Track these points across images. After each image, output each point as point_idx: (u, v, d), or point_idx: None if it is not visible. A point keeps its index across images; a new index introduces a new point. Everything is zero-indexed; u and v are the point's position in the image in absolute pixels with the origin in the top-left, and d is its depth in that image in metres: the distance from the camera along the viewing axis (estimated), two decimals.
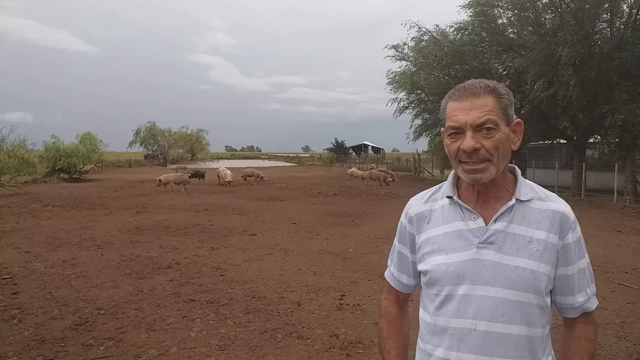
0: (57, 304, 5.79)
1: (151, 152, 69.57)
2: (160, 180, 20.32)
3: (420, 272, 1.52)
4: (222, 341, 4.71)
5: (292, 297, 6.10)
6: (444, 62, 23.19)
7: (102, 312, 5.50)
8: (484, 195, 1.43)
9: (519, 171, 1.50)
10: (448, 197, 1.49)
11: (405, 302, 1.69)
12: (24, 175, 24.80)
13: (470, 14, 21.48)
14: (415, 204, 1.59)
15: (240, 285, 6.64)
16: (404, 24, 25.19)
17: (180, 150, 75.99)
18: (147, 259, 8.14)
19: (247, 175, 27.91)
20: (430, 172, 32.56)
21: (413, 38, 25.56)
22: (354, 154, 77.77)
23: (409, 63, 27.10)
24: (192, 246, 9.36)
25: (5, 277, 6.98)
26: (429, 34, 24.39)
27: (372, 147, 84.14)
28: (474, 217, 1.41)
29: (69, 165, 30.23)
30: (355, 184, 25.69)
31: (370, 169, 31.16)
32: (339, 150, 74.46)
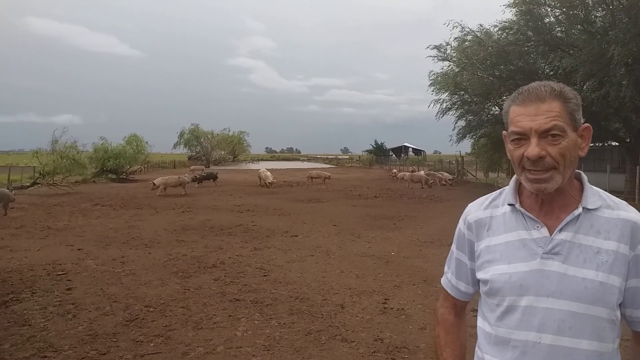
0: (108, 300, 6.00)
1: (194, 153, 71.21)
2: (154, 183, 20.58)
3: (479, 280, 1.49)
4: (267, 341, 4.75)
5: (335, 300, 6.09)
6: (488, 62, 22.66)
7: (151, 309, 5.66)
8: (548, 203, 1.38)
9: (585, 177, 1.43)
10: (510, 204, 1.45)
11: (462, 310, 1.65)
12: (75, 175, 25.87)
13: (516, 13, 20.90)
14: (475, 210, 1.55)
15: (284, 286, 6.69)
16: (446, 24, 24.77)
17: (222, 152, 77.48)
18: (193, 258, 8.33)
19: (313, 177, 28.12)
20: (474, 174, 31.85)
21: (456, 38, 25.10)
22: (394, 155, 77.12)
23: (451, 63, 26.62)
24: (236, 246, 9.50)
25: (60, 273, 7.29)
26: (473, 33, 23.89)
27: (412, 149, 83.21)
28: (538, 227, 1.36)
29: (116, 166, 31.35)
30: (396, 187, 25.45)
31: (412, 171, 30.80)
32: (379, 152, 73.95)
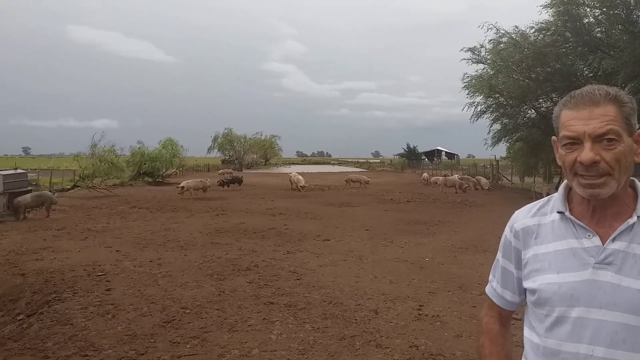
0: (146, 301, 6.13)
1: (228, 157, 72.18)
2: (182, 187, 20.95)
3: (526, 289, 1.45)
4: (301, 345, 4.76)
5: (369, 305, 6.05)
6: (524, 64, 22.16)
7: (187, 311, 5.75)
8: (601, 211, 1.33)
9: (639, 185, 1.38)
10: (559, 212, 1.40)
11: (507, 319, 1.62)
12: (113, 178, 26.61)
13: (553, 14, 20.38)
14: (522, 217, 1.51)
15: (317, 290, 6.69)
16: (481, 26, 24.38)
17: (255, 156, 78.23)
18: (227, 261, 8.43)
19: (352, 180, 28.17)
20: (510, 179, 31.15)
21: (491, 40, 24.63)
22: (426, 159, 76.23)
23: (486, 66, 26.16)
24: (269, 249, 9.57)
25: (99, 274, 7.50)
26: (508, 35, 23.40)
27: (445, 152, 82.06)
28: (589, 235, 1.32)
29: (152, 169, 32.10)
30: (429, 191, 25.13)
31: (445, 175, 30.37)
32: (411, 156, 73.22)
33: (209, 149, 71.51)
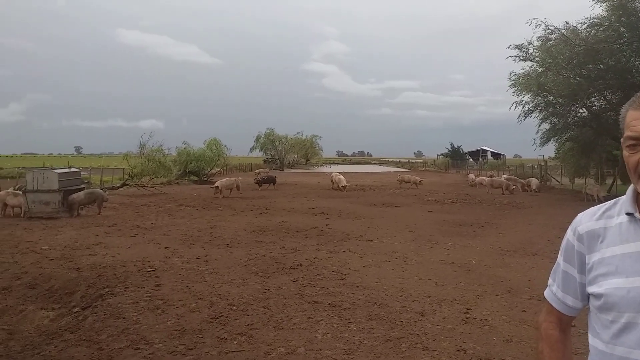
0: (194, 297, 6.27)
1: (269, 156, 73.00)
2: (217, 187, 21.18)
3: (589, 294, 1.39)
4: (347, 345, 4.74)
5: (414, 307, 5.97)
6: (574, 61, 21.34)
7: (234, 307, 5.84)
8: None
9: None
10: (627, 213, 1.34)
11: (568, 325, 1.55)
12: (160, 177, 27.41)
13: (607, 8, 19.52)
14: (586, 220, 1.45)
15: (361, 290, 6.65)
16: (529, 23, 23.64)
17: (296, 155, 78.76)
18: (272, 259, 8.51)
19: (405, 181, 28.08)
20: (559, 180, 30.05)
21: (539, 37, 23.87)
22: (471, 159, 74.60)
23: (534, 64, 25.33)
24: (312, 248, 9.60)
25: (149, 270, 7.72)
26: (558, 31, 22.59)
27: (491, 152, 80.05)
28: None
29: (198, 169, 32.87)
30: (475, 192, 24.60)
31: (491, 176, 29.63)
32: (455, 156, 71.80)
33: (251, 149, 72.47)
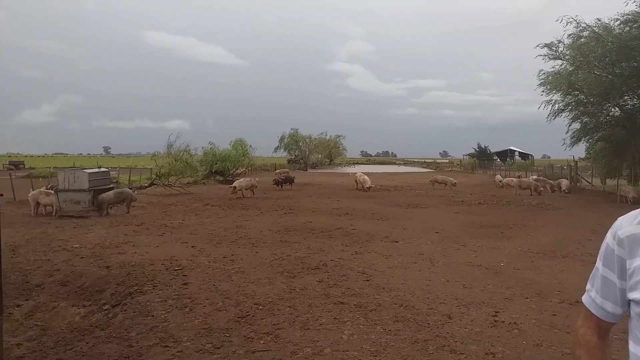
0: (220, 296, 6.32)
1: (293, 157, 73.35)
2: (235, 187, 21.17)
3: (631, 301, 1.34)
4: (373, 347, 4.71)
5: (441, 309, 5.89)
6: (607, 59, 20.83)
7: (260, 307, 5.87)
8: None
9: None
10: None
11: (607, 331, 1.50)
12: (187, 177, 27.80)
13: None
14: (627, 224, 1.39)
15: (387, 292, 6.60)
16: (559, 20, 23.20)
17: (319, 156, 78.96)
18: (297, 259, 8.53)
19: (438, 181, 27.88)
20: (590, 181, 29.29)
21: (570, 35, 23.38)
22: (498, 160, 73.48)
23: (564, 62, 24.84)
24: (337, 249, 9.58)
25: (177, 268, 7.83)
26: (590, 29, 22.08)
27: (519, 152, 78.71)
28: None
29: (223, 169, 33.22)
30: (502, 193, 24.18)
31: (519, 176, 29.08)
32: (482, 156, 70.85)
33: (276, 149, 73.04)
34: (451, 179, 27.70)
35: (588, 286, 1.54)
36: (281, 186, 26.36)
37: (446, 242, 10.50)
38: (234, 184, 21.34)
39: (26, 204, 16.18)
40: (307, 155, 72.82)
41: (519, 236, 11.33)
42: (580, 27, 22.27)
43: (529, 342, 4.94)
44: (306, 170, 64.16)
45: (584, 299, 1.54)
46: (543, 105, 26.78)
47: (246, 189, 21.75)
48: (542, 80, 26.37)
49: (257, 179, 24.71)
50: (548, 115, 26.60)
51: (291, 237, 10.93)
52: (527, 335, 5.12)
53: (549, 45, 24.51)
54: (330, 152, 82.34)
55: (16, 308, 6.31)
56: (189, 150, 27.69)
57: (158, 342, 4.85)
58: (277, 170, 44.94)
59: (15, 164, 58.79)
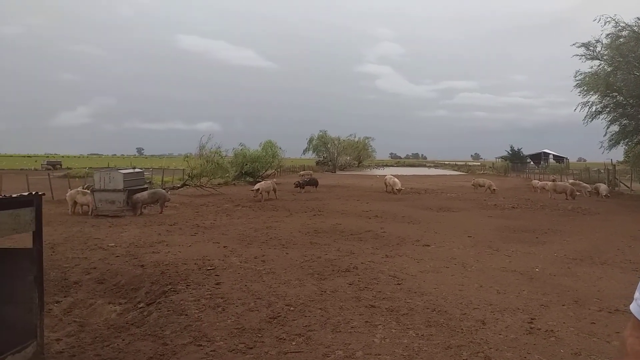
0: (252, 296, 6.37)
1: (322, 158, 73.45)
2: (257, 190, 20.96)
3: None
4: (405, 351, 4.66)
5: (475, 315, 5.79)
6: None
7: (292, 308, 5.89)
8: None
9: None
10: None
11: None
12: (218, 177, 28.17)
13: None
14: None
15: (419, 296, 6.53)
16: (597, 20, 22.62)
17: (348, 157, 78.81)
18: (327, 261, 8.52)
19: (479, 185, 27.53)
20: (629, 185, 28.31)
21: (608, 34, 22.75)
22: (532, 163, 71.88)
23: (602, 62, 24.17)
24: (367, 252, 9.53)
25: (209, 268, 7.93)
26: (629, 28, 21.44)
27: (553, 155, 76.84)
28: None
29: (253, 170, 33.53)
30: (536, 197, 23.61)
31: (553, 180, 28.35)
32: (515, 159, 69.42)
33: (304, 151, 73.25)
34: (491, 182, 27.02)
35: (636, 294, 1.48)
36: (303, 188, 26.20)
37: (479, 246, 10.32)
38: (256, 187, 21.31)
39: (64, 203, 16.71)
40: (336, 157, 72.76)
41: (555, 241, 11.03)
42: (619, 27, 21.66)
43: (566, 350, 4.81)
44: (334, 172, 64.16)
45: (633, 307, 1.48)
46: (579, 107, 26.12)
47: (267, 192, 21.70)
48: (579, 82, 25.70)
49: (275, 180, 24.75)
50: (585, 117, 25.92)
51: (321, 239, 10.94)
52: (564, 343, 4.98)
53: (586, 45, 23.92)
54: (358, 154, 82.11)
55: (55, 304, 6.51)
56: (220, 151, 28.07)
57: (192, 341, 4.93)
58: (301, 172, 45.03)
59: (53, 164, 60.88)
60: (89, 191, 16.07)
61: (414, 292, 6.70)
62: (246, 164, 33.01)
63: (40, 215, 4.61)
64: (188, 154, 27.84)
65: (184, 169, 28.21)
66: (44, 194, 4.81)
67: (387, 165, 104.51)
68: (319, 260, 8.57)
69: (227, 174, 28.92)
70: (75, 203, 15.85)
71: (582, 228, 13.05)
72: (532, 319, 5.70)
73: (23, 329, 4.57)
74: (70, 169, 50.73)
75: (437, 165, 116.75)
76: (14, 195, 4.42)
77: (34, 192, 4.62)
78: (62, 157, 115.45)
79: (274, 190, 22.14)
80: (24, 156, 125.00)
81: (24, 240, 6.17)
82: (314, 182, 27.35)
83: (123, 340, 5.16)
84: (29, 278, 4.59)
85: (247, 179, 33.10)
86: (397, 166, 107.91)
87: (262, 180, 34.40)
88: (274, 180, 25.15)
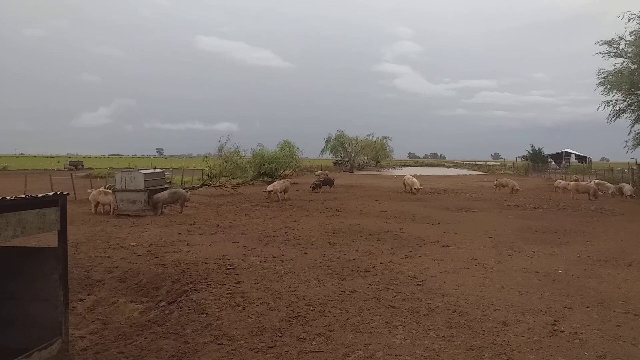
0: (272, 296, 6.40)
1: (339, 158, 73.40)
2: (269, 191, 20.79)
3: None
4: (426, 352, 4.63)
5: (496, 316, 5.72)
6: None
7: (311, 308, 5.90)
8: None
9: None
10: None
11: None
12: (237, 178, 28.36)
13: None
14: None
15: (439, 297, 6.48)
16: (620, 17, 22.21)
17: (366, 157, 78.65)
18: (346, 261, 8.51)
19: (503, 185, 27.26)
20: None
21: (633, 32, 22.33)
22: (553, 162, 70.75)
23: (626, 60, 23.70)
24: (386, 252, 9.49)
25: (229, 267, 7.99)
26: None
27: (575, 155, 75.55)
28: None
29: (271, 170, 33.68)
30: (558, 197, 23.23)
31: (576, 180, 27.87)
32: (536, 158, 68.40)
33: (322, 151, 73.24)
34: (514, 182, 26.59)
35: None
36: (320, 188, 26.00)
37: (500, 247, 10.19)
38: (268, 188, 21.20)
39: (86, 203, 16.99)
40: (353, 157, 72.63)
41: (578, 242, 10.84)
42: None
43: (591, 353, 4.73)
44: (352, 172, 64.07)
45: None
46: (602, 105, 25.69)
47: (281, 192, 21.59)
48: (602, 80, 25.28)
49: (290, 180, 24.73)
50: (608, 116, 25.49)
51: (339, 239, 10.93)
52: (589, 346, 4.90)
53: (609, 43, 23.52)
54: (376, 153, 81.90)
55: (79, 302, 6.63)
56: (239, 151, 28.26)
57: (213, 340, 4.97)
58: (317, 172, 45.02)
59: (75, 165, 62.00)
60: (110, 191, 16.32)
61: (434, 293, 6.66)
62: (264, 164, 33.18)
63: (65, 215, 4.70)
64: (207, 154, 28.10)
65: (203, 169, 28.46)
66: (68, 194, 4.90)
67: (405, 165, 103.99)
68: (338, 260, 8.57)
69: (245, 174, 29.07)
70: (97, 203, 16.11)
71: (605, 229, 12.80)
72: (555, 320, 5.62)
73: (49, 326, 4.67)
74: (91, 169, 51.61)
75: (456, 165, 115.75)
76: (40, 195, 4.51)
77: (58, 192, 4.71)
78: (84, 157, 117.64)
79: (286, 190, 22.00)
80: (47, 157, 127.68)
81: (46, 241, 6.30)
82: (329, 182, 27.21)
83: (145, 338, 5.23)
84: (55, 276, 4.68)
85: (265, 179, 33.24)
86: (415, 166, 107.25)
87: (280, 179, 34.64)
88: (289, 180, 25.12)
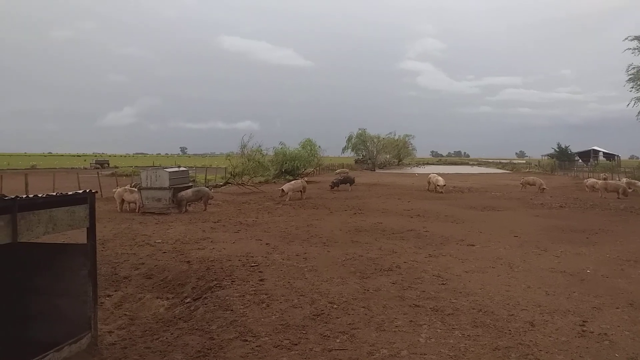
0: (295, 293, 6.43)
1: (361, 157, 73.11)
2: (283, 190, 20.48)
3: None
4: (452, 351, 4.59)
5: (523, 316, 5.64)
6: None
7: (335, 306, 5.90)
8: None
9: None
10: None
11: None
12: (259, 176, 28.53)
13: None
14: None
15: (464, 296, 6.41)
16: None
17: (388, 156, 78.16)
18: (369, 260, 8.49)
19: (529, 183, 26.87)
20: None
21: None
22: (580, 160, 69.15)
23: None
24: (410, 251, 9.43)
25: (253, 265, 8.05)
26: None
27: (603, 153, 73.70)
28: None
29: (293, 168, 33.74)
30: (586, 196, 22.71)
31: (604, 178, 27.22)
32: (562, 157, 66.92)
33: (343, 149, 73.00)
34: (541, 181, 26.04)
35: None
36: (338, 187, 25.58)
37: (526, 246, 10.02)
38: (282, 187, 21.00)
39: (112, 201, 17.30)
40: (375, 155, 72.25)
41: (607, 242, 10.59)
42: None
43: (622, 354, 4.62)
44: (374, 170, 63.77)
45: None
46: (632, 102, 25.04)
47: (296, 191, 21.33)
48: (632, 76, 24.65)
49: (305, 179, 24.65)
50: (638, 113, 24.80)
51: (362, 237, 10.90)
52: (619, 347, 4.79)
53: (639, 38, 22.86)
54: (398, 152, 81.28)
55: (107, 298, 6.76)
56: (261, 150, 28.41)
57: (238, 336, 5.01)
58: (337, 171, 44.89)
59: (101, 163, 63.27)
60: (136, 189, 16.60)
61: (459, 292, 6.59)
62: (286, 163, 33.25)
63: (93, 212, 4.81)
64: (230, 153, 28.35)
65: (225, 168, 28.70)
66: (96, 192, 5.01)
67: (428, 164, 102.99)
68: (361, 259, 8.55)
69: (267, 173, 29.24)
70: (123, 201, 16.39)
71: (636, 228, 12.48)
72: (583, 321, 5.51)
73: (78, 321, 4.78)
74: (117, 167, 52.59)
75: (480, 163, 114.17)
76: (70, 193, 4.62)
77: (87, 190, 4.81)
78: (109, 156, 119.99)
79: (303, 189, 21.51)
80: (74, 155, 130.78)
81: (74, 238, 6.43)
82: (349, 180, 26.90)
83: (171, 334, 5.31)
84: (84, 272, 4.79)
85: (287, 177, 33.33)
86: (438, 164, 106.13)
87: (301, 177, 34.69)
88: (305, 179, 25.01)
